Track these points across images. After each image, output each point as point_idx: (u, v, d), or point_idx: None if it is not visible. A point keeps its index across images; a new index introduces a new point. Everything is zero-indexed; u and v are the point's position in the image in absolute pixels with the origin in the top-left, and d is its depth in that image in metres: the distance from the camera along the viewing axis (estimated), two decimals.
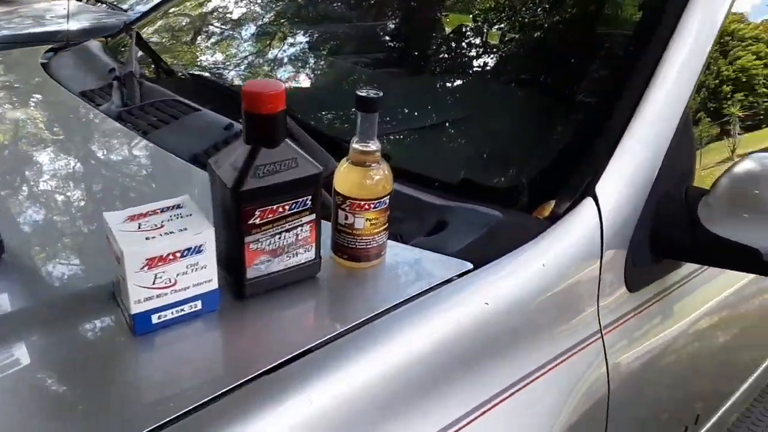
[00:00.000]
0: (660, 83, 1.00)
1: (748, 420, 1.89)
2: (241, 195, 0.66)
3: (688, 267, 1.11)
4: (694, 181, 1.07)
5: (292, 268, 0.75)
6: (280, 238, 0.71)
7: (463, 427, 0.72)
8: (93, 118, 1.26)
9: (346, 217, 0.77)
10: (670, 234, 1.00)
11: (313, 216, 0.72)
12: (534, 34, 1.46)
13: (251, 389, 0.62)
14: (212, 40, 1.84)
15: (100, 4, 6.18)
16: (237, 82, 1.56)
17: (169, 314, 0.68)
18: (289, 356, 0.65)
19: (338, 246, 0.80)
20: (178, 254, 0.65)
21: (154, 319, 0.67)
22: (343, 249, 0.79)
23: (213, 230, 0.67)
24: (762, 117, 1.38)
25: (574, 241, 0.90)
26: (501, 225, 0.90)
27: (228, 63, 1.69)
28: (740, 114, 1.28)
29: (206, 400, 0.59)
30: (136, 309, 0.65)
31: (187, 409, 0.58)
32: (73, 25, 3.73)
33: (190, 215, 0.69)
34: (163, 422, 0.57)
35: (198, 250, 0.66)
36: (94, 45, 1.79)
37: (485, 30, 1.52)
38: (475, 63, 1.40)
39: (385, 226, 0.79)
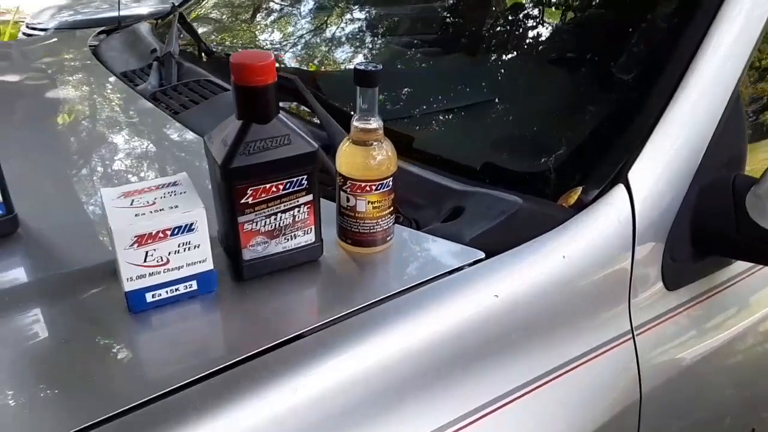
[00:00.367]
0: (707, 59, 0.90)
1: None
2: (230, 172, 0.64)
3: (739, 266, 1.02)
4: (743, 170, 0.97)
5: (291, 251, 0.73)
6: (275, 218, 0.69)
7: (462, 428, 0.68)
8: (128, 98, 1.29)
9: (348, 199, 0.74)
10: (714, 227, 0.91)
11: (311, 197, 0.70)
12: (569, 9, 1.37)
13: (237, 373, 0.60)
14: (256, 20, 1.84)
15: None
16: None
17: (163, 293, 0.67)
18: (279, 341, 0.63)
19: (342, 230, 0.77)
20: (168, 232, 0.64)
21: (149, 297, 0.67)
22: (346, 233, 0.76)
23: (204, 209, 0.65)
24: None
25: (601, 231, 0.83)
26: (520, 212, 0.84)
27: (266, 43, 1.68)
28: None
29: (190, 380, 0.58)
30: (129, 287, 0.65)
31: (171, 388, 0.58)
32: (140, 9, 3.86)
33: (184, 193, 0.68)
34: (146, 399, 0.56)
35: (189, 228, 0.65)
36: (144, 27, 1.83)
37: (519, 9, 1.44)
38: (508, 43, 1.32)
39: (390, 209, 0.76)
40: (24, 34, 5.13)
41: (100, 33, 1.85)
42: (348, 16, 1.72)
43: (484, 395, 0.71)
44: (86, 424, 0.54)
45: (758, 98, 1.07)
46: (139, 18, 2.22)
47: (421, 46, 1.45)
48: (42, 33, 4.99)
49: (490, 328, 0.73)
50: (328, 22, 1.70)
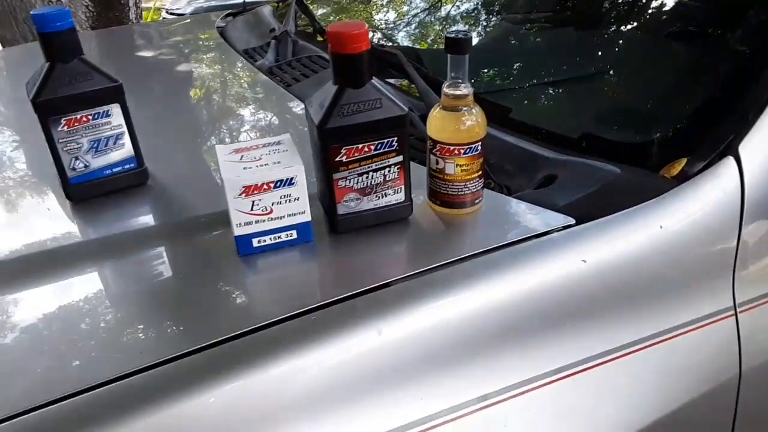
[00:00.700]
0: None
1: None
2: (326, 132, 0.70)
3: None
4: None
5: (382, 208, 0.77)
6: (367, 177, 0.74)
7: (536, 389, 0.70)
8: (247, 72, 1.40)
9: (437, 162, 0.77)
10: None
11: (400, 158, 0.74)
12: None
13: (328, 313, 0.66)
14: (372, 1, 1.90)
15: None
16: (382, 41, 1.60)
17: (267, 240, 0.75)
18: (368, 287, 0.68)
19: (432, 191, 0.80)
20: (271, 185, 0.71)
21: (255, 242, 0.74)
22: (436, 194, 0.80)
23: (302, 165, 0.72)
24: None
25: (705, 204, 0.80)
26: (617, 181, 0.83)
27: (380, 22, 1.74)
28: None
29: (285, 316, 0.65)
30: (238, 231, 0.73)
31: (268, 322, 0.65)
32: None
33: (286, 151, 0.74)
34: (244, 330, 0.64)
35: (290, 182, 0.71)
36: (266, 9, 1.95)
37: None
38: (620, 16, 1.27)
39: (479, 173, 0.78)
40: (164, 19, 5.61)
41: (227, 15, 2.00)
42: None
43: (563, 358, 0.72)
44: (196, 347, 0.62)
45: None
46: (262, 2, 2.36)
47: (533, 22, 1.44)
48: (168, 19, 5.42)
49: (575, 293, 0.74)
50: (443, 1, 1.71)
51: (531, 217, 0.80)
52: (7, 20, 2.86)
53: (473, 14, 1.61)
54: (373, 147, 0.72)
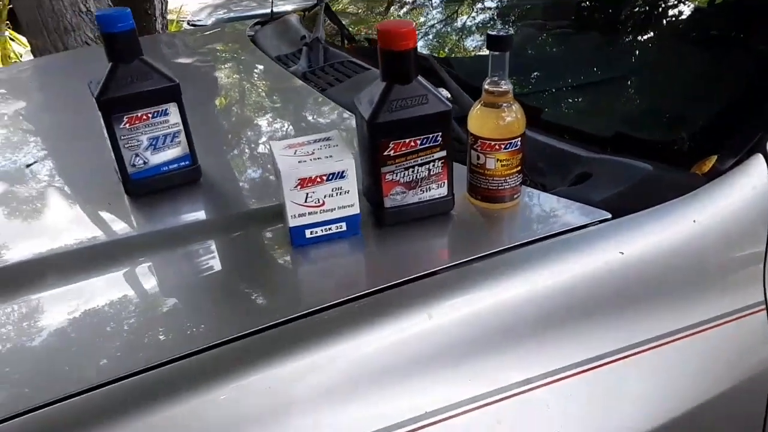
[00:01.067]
0: None
1: None
2: (375, 127, 0.74)
3: None
4: None
5: (426, 202, 0.81)
6: (413, 171, 0.78)
7: (576, 374, 0.73)
8: (283, 77, 1.45)
9: (478, 157, 0.80)
10: None
11: (444, 153, 0.78)
12: None
13: (380, 299, 0.70)
14: (396, 8, 1.95)
15: None
16: None
17: (319, 231, 0.79)
18: (416, 275, 0.72)
19: (472, 186, 0.84)
20: (324, 177, 0.75)
21: (307, 233, 0.79)
22: (476, 189, 0.83)
23: (353, 159, 0.76)
24: None
25: (736, 199, 0.83)
26: (650, 178, 0.86)
27: None
28: None
29: (337, 302, 0.69)
30: (292, 223, 0.77)
31: (321, 307, 0.69)
32: (286, 6, 4.16)
33: (337, 146, 0.79)
34: (297, 315, 0.68)
35: (341, 175, 0.75)
36: (293, 18, 2.01)
37: None
38: (649, 19, 1.31)
39: (518, 168, 0.82)
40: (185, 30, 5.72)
41: (255, 24, 2.06)
42: (479, 5, 1.77)
43: (599, 347, 0.75)
44: (250, 330, 0.66)
45: None
46: (287, 11, 2.42)
47: (558, 28, 1.48)
48: (195, 28, 5.53)
49: (613, 283, 0.77)
50: (459, 12, 1.76)
51: (568, 211, 0.83)
52: (38, 30, 2.95)
53: (492, 24, 1.65)
54: (419, 142, 0.76)
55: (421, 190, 0.80)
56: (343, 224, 0.79)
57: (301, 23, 1.92)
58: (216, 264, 0.80)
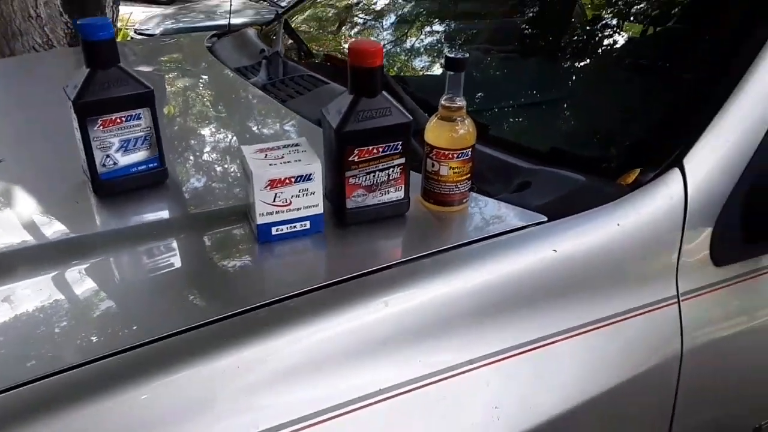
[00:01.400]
0: (765, 64, 1.00)
1: None
2: (343, 135, 0.82)
3: None
4: None
5: (384, 204, 0.89)
6: (374, 176, 0.86)
7: (514, 356, 0.82)
8: (243, 88, 1.51)
9: (433, 165, 0.90)
10: (764, 213, 1.00)
11: (403, 160, 0.86)
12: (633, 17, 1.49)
13: (340, 288, 0.77)
14: (349, 27, 2.04)
15: (262, 1, 6.83)
16: None
17: (284, 229, 0.85)
18: (373, 269, 0.80)
19: (426, 191, 0.93)
20: (293, 179, 0.82)
21: (273, 231, 0.85)
22: (429, 193, 0.92)
23: (320, 163, 0.83)
24: None
25: (655, 207, 0.95)
26: (582, 188, 0.97)
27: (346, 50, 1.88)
28: None
29: (301, 291, 0.76)
30: (260, 221, 0.84)
31: (287, 295, 0.75)
32: (236, 20, 4.20)
33: (305, 151, 0.86)
34: (264, 302, 0.74)
35: (308, 178, 0.83)
36: (251, 32, 2.06)
37: (586, 21, 1.57)
38: (585, 47, 1.46)
39: (468, 175, 0.91)
40: (132, 39, 5.66)
41: (212, 36, 2.11)
42: (428, 29, 1.89)
43: (534, 332, 0.85)
44: (217, 317, 0.72)
45: None
46: (244, 24, 2.48)
47: (502, 52, 1.61)
48: (149, 37, 5.49)
49: (547, 277, 0.87)
50: (408, 34, 1.87)
51: (510, 215, 0.93)
52: None
53: (441, 46, 1.77)
54: (381, 149, 0.84)
55: (380, 193, 0.88)
56: (308, 222, 0.86)
57: (259, 37, 1.98)
58: (183, 259, 0.85)
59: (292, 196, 0.83)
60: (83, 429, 0.62)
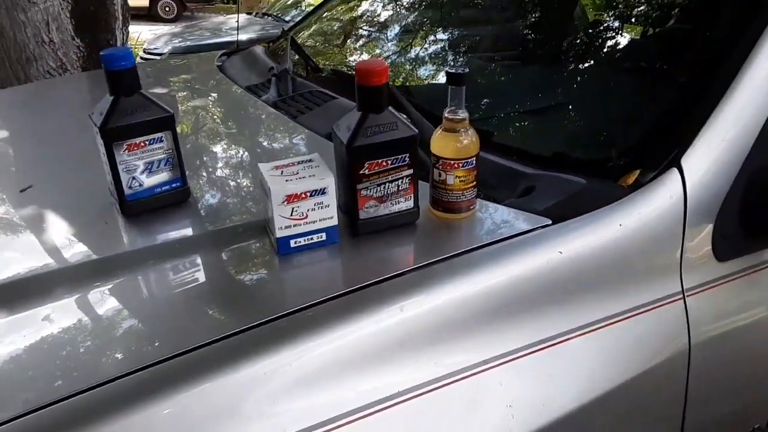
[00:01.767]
0: (760, 61, 1.03)
1: None
2: (353, 150, 0.87)
3: None
4: None
5: (395, 214, 0.94)
6: (384, 187, 0.90)
7: (525, 355, 0.86)
8: (255, 106, 1.56)
9: (440, 175, 0.94)
10: (762, 208, 1.03)
11: (411, 171, 0.91)
12: (629, 20, 1.53)
13: (357, 296, 0.82)
14: (354, 41, 2.09)
15: (266, 16, 6.93)
16: None
17: (302, 241, 0.90)
18: (389, 275, 0.84)
19: (434, 200, 0.97)
20: (308, 193, 0.87)
21: (292, 243, 0.90)
22: (437, 202, 0.97)
23: (333, 177, 0.88)
24: None
25: (655, 207, 0.98)
26: (584, 190, 1.01)
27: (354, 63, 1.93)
28: None
29: (321, 300, 0.80)
30: (280, 234, 0.89)
31: (308, 304, 0.80)
32: (243, 36, 4.28)
33: (318, 166, 0.91)
34: (288, 311, 0.79)
35: (322, 192, 0.88)
36: (259, 49, 2.13)
37: (585, 25, 1.61)
38: (578, 53, 1.50)
39: (474, 183, 0.95)
40: (141, 58, 5.77)
41: (222, 55, 2.17)
42: (431, 38, 1.94)
43: (544, 332, 0.89)
44: (243, 327, 0.76)
45: None
46: (251, 42, 2.55)
47: (502, 60, 1.65)
48: (158, 57, 5.59)
49: (553, 278, 0.91)
50: (412, 44, 1.92)
51: (515, 219, 0.97)
52: (0, 61, 2.97)
53: (444, 55, 1.82)
54: (390, 162, 0.89)
55: (391, 204, 0.93)
56: (324, 234, 0.91)
57: (267, 54, 2.04)
58: (210, 273, 0.90)
59: (308, 210, 0.88)
60: None
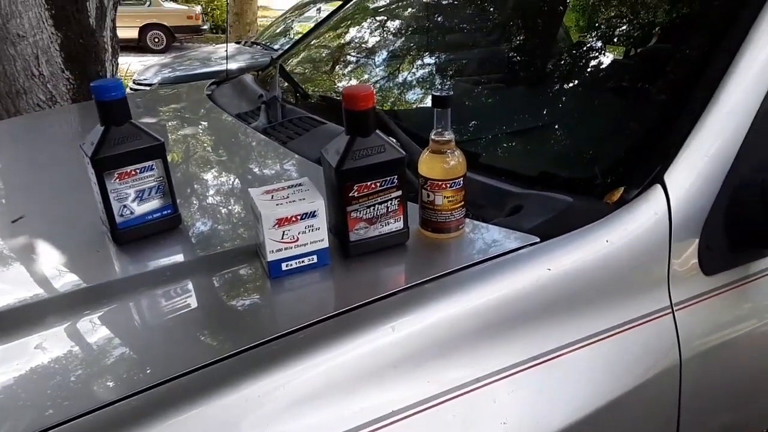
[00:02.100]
0: (737, 77, 1.06)
1: None
2: (342, 173, 0.88)
3: None
4: None
5: (385, 235, 0.95)
6: (373, 209, 0.92)
7: (517, 372, 0.86)
8: (245, 133, 1.58)
9: (428, 195, 0.95)
10: (745, 222, 1.05)
11: (399, 192, 0.92)
12: (610, 41, 1.57)
13: (349, 317, 0.82)
14: (342, 67, 2.13)
15: (255, 45, 7.01)
16: None
17: (294, 264, 0.91)
18: (380, 296, 0.85)
19: (423, 220, 0.99)
20: (299, 217, 0.88)
21: (284, 266, 0.91)
22: (427, 223, 0.98)
23: (323, 201, 0.89)
24: None
25: (641, 222, 1.00)
26: (570, 208, 1.03)
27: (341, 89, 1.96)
28: None
29: (313, 321, 0.81)
30: (271, 257, 0.89)
31: (301, 326, 0.80)
32: (232, 65, 4.32)
33: (308, 190, 0.92)
34: (281, 333, 0.79)
35: (313, 215, 0.89)
36: (248, 78, 2.15)
37: (568, 46, 1.65)
38: (562, 75, 1.53)
39: (462, 203, 0.97)
40: (131, 89, 5.81)
41: (212, 84, 2.20)
42: (417, 62, 1.97)
43: (535, 348, 0.89)
44: (235, 350, 0.77)
45: None
46: (241, 70, 2.58)
47: (488, 82, 1.69)
48: (148, 87, 5.63)
49: (543, 295, 0.92)
50: (399, 69, 1.96)
51: (504, 238, 0.99)
52: None
53: (431, 79, 1.85)
54: (378, 184, 0.90)
55: (380, 225, 0.94)
56: (315, 257, 0.92)
57: (256, 82, 2.07)
58: (202, 298, 0.90)
59: (299, 233, 0.89)
60: None
